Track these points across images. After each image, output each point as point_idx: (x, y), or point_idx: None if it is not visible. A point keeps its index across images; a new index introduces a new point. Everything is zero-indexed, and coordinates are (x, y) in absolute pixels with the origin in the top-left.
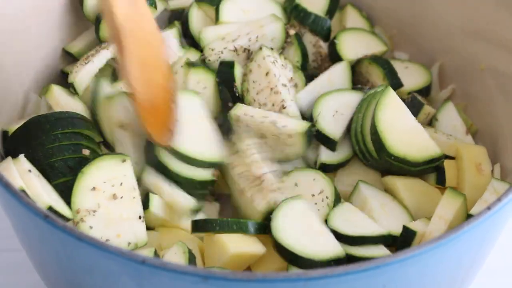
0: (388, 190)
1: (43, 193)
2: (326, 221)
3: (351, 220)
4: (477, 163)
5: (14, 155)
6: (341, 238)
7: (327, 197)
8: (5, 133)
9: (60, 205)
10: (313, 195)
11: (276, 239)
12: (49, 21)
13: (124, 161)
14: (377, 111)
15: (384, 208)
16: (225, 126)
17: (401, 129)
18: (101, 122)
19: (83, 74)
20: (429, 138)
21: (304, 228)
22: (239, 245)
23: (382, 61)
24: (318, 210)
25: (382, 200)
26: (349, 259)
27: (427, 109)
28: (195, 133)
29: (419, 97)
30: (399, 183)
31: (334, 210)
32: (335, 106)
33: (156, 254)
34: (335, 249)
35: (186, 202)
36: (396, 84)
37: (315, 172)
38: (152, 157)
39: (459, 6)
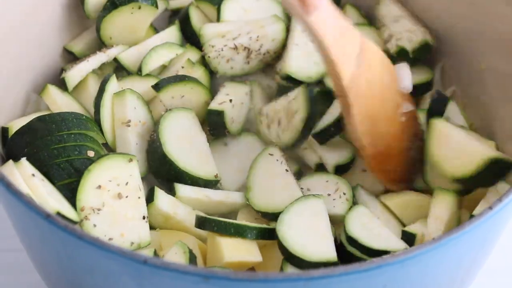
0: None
1: (50, 198)
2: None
3: (369, 227)
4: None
5: (17, 154)
6: (359, 246)
7: (344, 193)
8: (4, 130)
9: (66, 209)
10: (329, 194)
11: (292, 252)
12: (50, 20)
13: (130, 160)
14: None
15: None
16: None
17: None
18: (103, 121)
19: (75, 71)
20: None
21: (309, 229)
22: (235, 253)
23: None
24: (334, 206)
25: (376, 209)
26: (349, 258)
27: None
28: (192, 150)
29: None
30: (390, 204)
31: (350, 214)
32: None
33: (156, 254)
34: (330, 253)
35: None
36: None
37: (326, 175)
38: (156, 156)
39: (459, 5)
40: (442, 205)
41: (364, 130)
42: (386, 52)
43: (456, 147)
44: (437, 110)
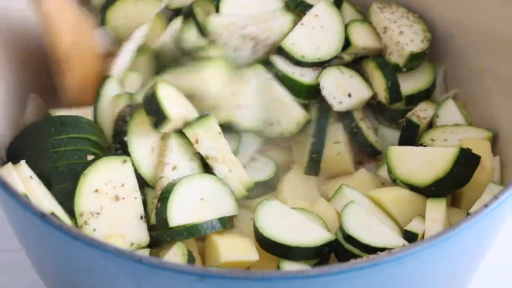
0: (375, 202)
1: (45, 200)
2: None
3: (366, 225)
4: None
5: (17, 157)
6: (358, 245)
7: None
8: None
9: (60, 212)
10: None
11: (266, 236)
12: None
13: (124, 162)
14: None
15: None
16: None
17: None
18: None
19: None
20: None
21: (289, 223)
22: (232, 252)
23: (388, 72)
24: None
25: (367, 207)
26: (345, 256)
27: (427, 112)
28: None
29: (414, 118)
30: (386, 198)
31: (344, 213)
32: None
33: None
34: (325, 234)
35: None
36: (395, 98)
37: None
38: None
39: (458, 5)
40: (437, 208)
41: (74, 83)
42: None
43: (417, 159)
44: (408, 137)
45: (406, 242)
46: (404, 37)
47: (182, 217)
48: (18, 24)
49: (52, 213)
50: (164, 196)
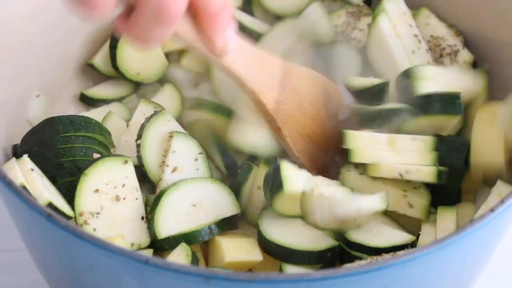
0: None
1: (44, 190)
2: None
3: (366, 228)
4: (490, 114)
5: (27, 153)
6: (366, 250)
7: None
8: None
9: (60, 202)
10: None
11: (269, 239)
12: (54, 21)
13: (125, 162)
14: None
15: None
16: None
17: None
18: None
19: None
20: None
21: (292, 228)
22: (236, 253)
23: None
24: None
25: None
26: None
27: None
28: None
29: None
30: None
31: None
32: None
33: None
34: (328, 240)
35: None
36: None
37: None
38: None
39: (462, 5)
40: (449, 219)
41: (301, 148)
42: None
43: None
44: None
45: (413, 237)
46: (451, 47)
47: (172, 227)
48: (22, 23)
49: (50, 203)
50: (151, 208)
